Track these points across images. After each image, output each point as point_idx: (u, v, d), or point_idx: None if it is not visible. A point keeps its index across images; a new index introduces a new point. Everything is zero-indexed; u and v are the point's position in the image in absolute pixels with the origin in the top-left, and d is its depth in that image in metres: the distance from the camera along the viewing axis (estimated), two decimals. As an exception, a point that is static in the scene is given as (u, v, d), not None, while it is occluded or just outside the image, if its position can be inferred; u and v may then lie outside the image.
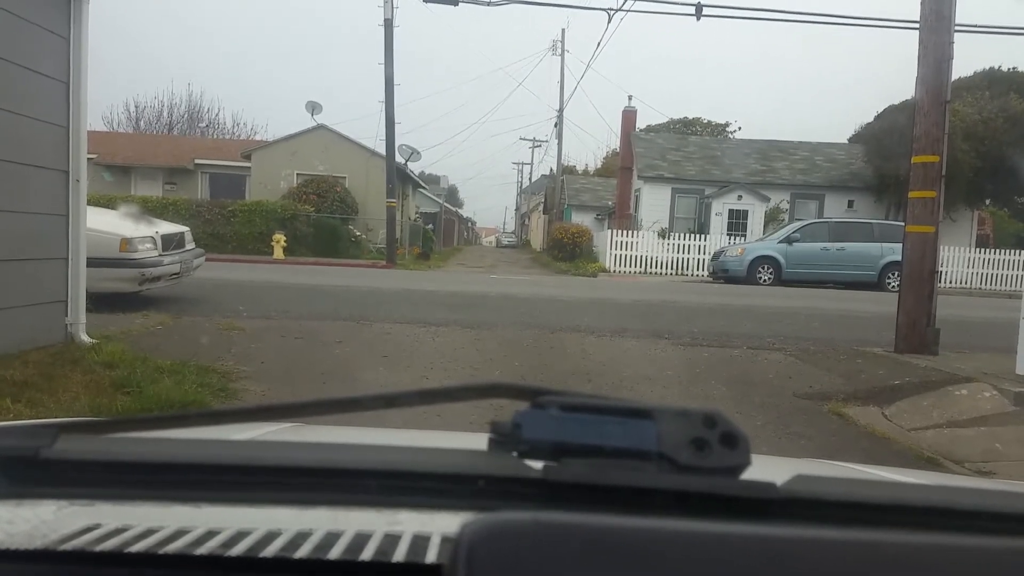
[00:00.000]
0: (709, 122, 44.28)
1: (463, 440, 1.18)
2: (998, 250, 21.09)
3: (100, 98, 43.58)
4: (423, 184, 33.62)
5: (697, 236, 20.91)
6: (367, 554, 0.48)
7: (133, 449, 0.59)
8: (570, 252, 22.96)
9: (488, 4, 13.94)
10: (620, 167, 26.41)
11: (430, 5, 14.52)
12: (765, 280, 17.14)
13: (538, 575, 0.37)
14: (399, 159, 20.22)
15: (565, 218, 29.86)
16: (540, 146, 53.40)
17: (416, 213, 30.72)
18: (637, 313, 9.23)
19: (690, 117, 44.34)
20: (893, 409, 4.69)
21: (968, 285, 20.02)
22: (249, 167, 23.49)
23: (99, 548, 0.48)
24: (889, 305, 7.26)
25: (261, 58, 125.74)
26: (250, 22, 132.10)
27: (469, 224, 72.58)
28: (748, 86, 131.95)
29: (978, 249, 21.20)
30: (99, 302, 5.71)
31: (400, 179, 21.66)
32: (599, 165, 50.73)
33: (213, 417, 0.70)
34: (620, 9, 15.58)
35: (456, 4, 14.31)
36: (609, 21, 17.65)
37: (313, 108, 22.45)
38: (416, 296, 10.17)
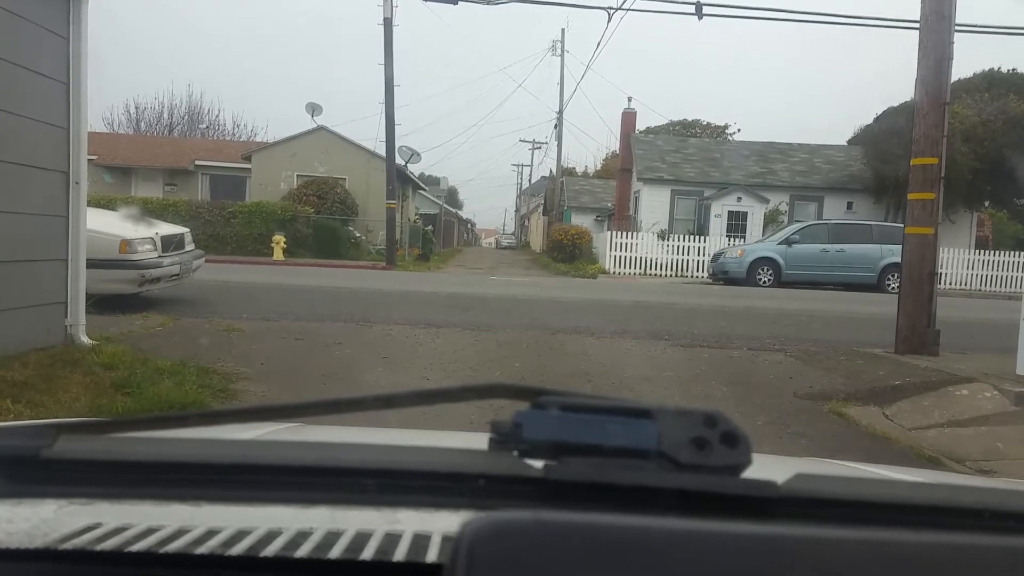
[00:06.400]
0: (708, 124, 44.31)
1: (463, 439, 1.18)
2: (997, 252, 21.08)
3: (100, 99, 43.63)
4: (423, 185, 33.61)
5: (696, 238, 20.89)
6: (367, 553, 0.48)
7: (133, 449, 0.59)
8: (570, 253, 22.94)
9: (488, 3, 13.90)
10: (620, 169, 26.42)
11: (430, 4, 14.52)
12: (765, 282, 17.13)
13: (539, 574, 0.37)
14: (399, 161, 20.21)
15: (565, 219, 29.84)
16: (540, 148, 53.42)
17: (416, 214, 30.71)
18: (637, 314, 9.23)
19: (689, 119, 44.41)
20: (894, 409, 4.68)
21: (968, 287, 20.01)
22: (249, 168, 23.47)
23: (99, 547, 0.48)
24: (889, 306, 7.26)
25: (262, 60, 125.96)
26: (250, 23, 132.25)
27: (469, 225, 72.58)
28: (747, 88, 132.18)
29: (977, 251, 21.18)
30: (99, 303, 5.71)
31: (400, 181, 21.64)
32: (599, 167, 50.79)
33: (213, 417, 0.70)
34: (620, 8, 15.50)
35: (456, 3, 14.27)
36: (609, 21, 17.64)
37: (313, 110, 22.47)
38: (416, 297, 10.16)
